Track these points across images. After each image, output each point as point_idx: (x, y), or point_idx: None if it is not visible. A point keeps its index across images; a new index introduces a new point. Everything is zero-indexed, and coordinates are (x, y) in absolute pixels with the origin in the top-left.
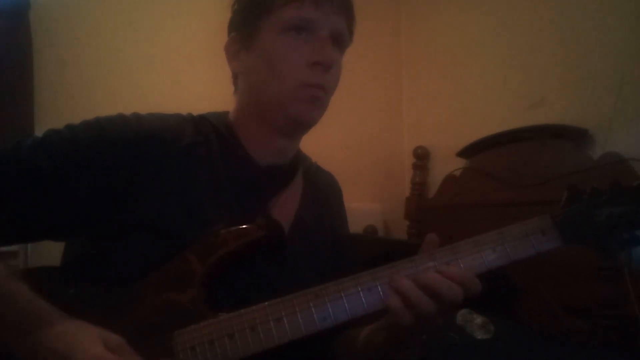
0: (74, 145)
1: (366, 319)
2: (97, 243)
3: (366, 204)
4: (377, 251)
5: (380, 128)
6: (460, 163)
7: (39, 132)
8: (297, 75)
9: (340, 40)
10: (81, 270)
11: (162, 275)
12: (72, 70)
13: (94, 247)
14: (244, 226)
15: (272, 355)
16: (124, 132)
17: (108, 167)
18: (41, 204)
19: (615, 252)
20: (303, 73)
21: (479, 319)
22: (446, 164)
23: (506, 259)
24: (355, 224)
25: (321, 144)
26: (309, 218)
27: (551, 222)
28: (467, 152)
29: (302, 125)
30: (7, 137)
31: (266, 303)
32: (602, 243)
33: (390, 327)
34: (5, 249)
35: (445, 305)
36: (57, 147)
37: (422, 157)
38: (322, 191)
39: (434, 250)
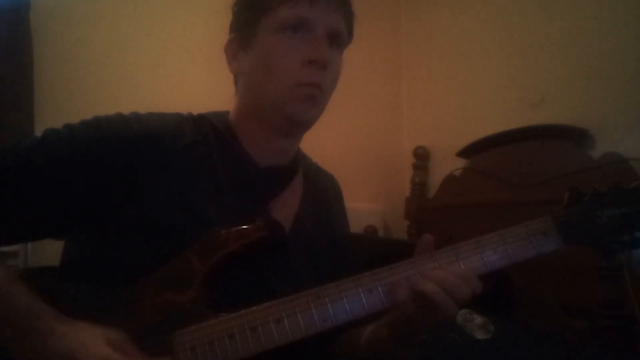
0: (73, 144)
1: (369, 318)
2: (95, 243)
3: (366, 204)
4: (377, 251)
5: (380, 128)
6: (460, 163)
7: (39, 132)
8: (292, 74)
9: (338, 39)
10: (80, 270)
11: (162, 275)
12: (72, 70)
13: (92, 247)
14: (244, 227)
15: (273, 356)
16: (122, 131)
17: (106, 166)
18: (40, 204)
19: (616, 254)
20: (298, 72)
21: (479, 319)
22: (446, 164)
23: (507, 260)
24: (355, 224)
25: (321, 144)
26: (308, 219)
27: (553, 223)
28: (467, 152)
29: (299, 125)
30: (7, 137)
31: (266, 304)
32: (603, 244)
33: (393, 323)
34: (5, 249)
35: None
36: (55, 147)
37: (422, 157)
38: (322, 192)
39: (435, 251)
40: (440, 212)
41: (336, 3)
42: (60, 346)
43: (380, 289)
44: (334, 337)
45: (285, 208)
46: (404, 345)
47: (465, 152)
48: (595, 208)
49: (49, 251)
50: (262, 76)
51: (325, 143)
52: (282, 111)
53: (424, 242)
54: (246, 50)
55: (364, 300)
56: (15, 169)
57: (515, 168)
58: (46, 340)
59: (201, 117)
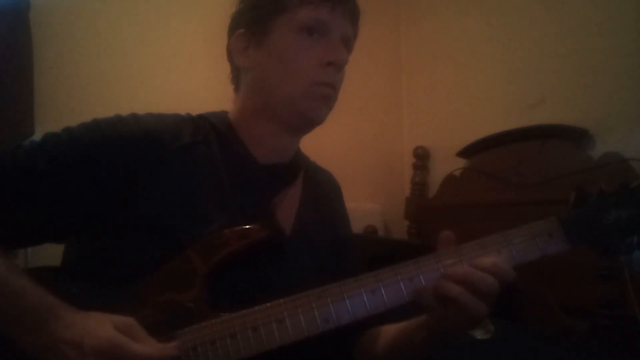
0: (72, 147)
1: (371, 320)
2: (97, 243)
3: (366, 204)
4: (377, 251)
5: (380, 128)
6: (460, 163)
7: (39, 132)
8: (310, 74)
9: (347, 45)
10: (82, 270)
11: (164, 275)
12: (72, 70)
13: (94, 247)
14: (247, 226)
15: (275, 356)
16: (121, 132)
17: (107, 167)
18: (41, 208)
19: (622, 255)
20: (316, 72)
21: None
22: (446, 164)
23: (511, 261)
24: (355, 224)
25: (321, 144)
26: (309, 218)
27: (558, 224)
28: (467, 152)
29: (311, 122)
30: (7, 137)
31: (268, 304)
32: (609, 246)
33: (431, 326)
34: None
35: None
36: (55, 150)
37: (422, 157)
38: (322, 190)
39: (438, 253)
40: (440, 212)
41: (350, 11)
42: (69, 333)
43: (382, 290)
44: (337, 338)
45: (287, 207)
46: (444, 345)
47: (465, 152)
48: (602, 209)
49: (49, 251)
50: (277, 72)
51: (326, 143)
52: (296, 107)
53: (443, 239)
54: (257, 47)
55: (366, 302)
56: (15, 173)
57: (515, 168)
58: (55, 330)
59: (200, 117)
